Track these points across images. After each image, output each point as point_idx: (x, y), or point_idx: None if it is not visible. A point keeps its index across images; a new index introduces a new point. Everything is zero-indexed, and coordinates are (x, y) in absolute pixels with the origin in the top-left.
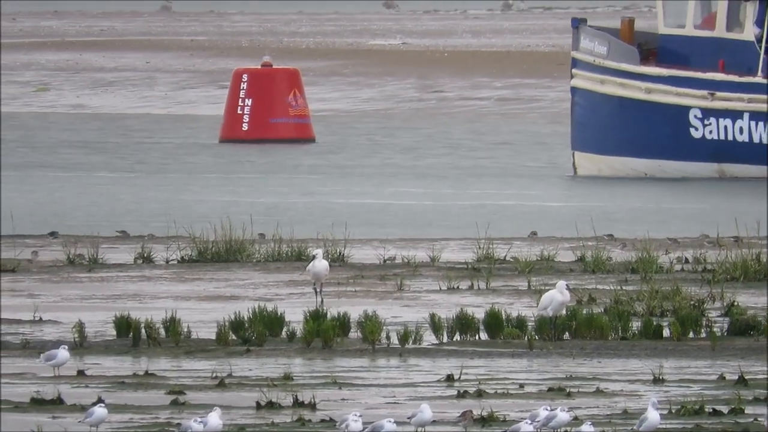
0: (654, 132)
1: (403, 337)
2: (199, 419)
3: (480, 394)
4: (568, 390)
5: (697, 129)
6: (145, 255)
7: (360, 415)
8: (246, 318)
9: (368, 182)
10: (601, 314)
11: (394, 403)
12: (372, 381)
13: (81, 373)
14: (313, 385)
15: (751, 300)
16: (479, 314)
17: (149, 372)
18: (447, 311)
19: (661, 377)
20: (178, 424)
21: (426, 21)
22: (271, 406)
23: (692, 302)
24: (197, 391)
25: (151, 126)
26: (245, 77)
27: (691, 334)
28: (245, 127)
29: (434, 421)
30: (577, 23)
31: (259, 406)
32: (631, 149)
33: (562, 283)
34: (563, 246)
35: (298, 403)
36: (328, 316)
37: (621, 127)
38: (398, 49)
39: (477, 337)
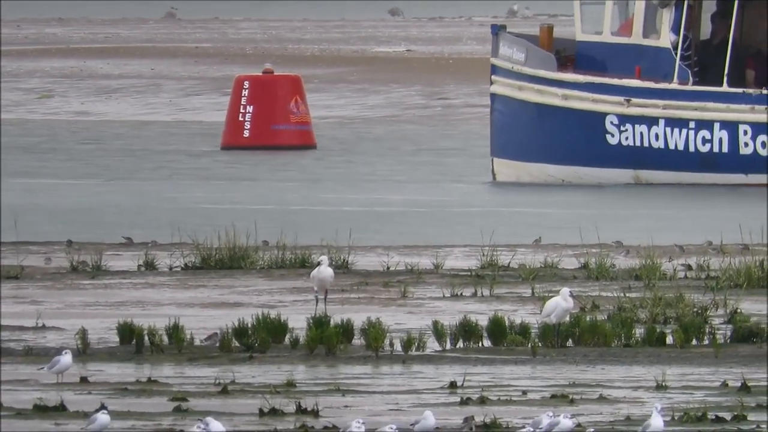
0: (571, 138)
1: (407, 344)
2: (202, 426)
3: (483, 401)
4: (571, 397)
5: (613, 135)
6: (149, 261)
7: (363, 422)
8: (249, 325)
9: (373, 189)
10: (605, 321)
11: (398, 410)
12: (375, 388)
13: (84, 379)
14: (316, 392)
15: (754, 307)
16: (483, 321)
17: (152, 379)
18: (450, 318)
19: (664, 384)
20: None
21: (431, 28)
22: (274, 413)
23: (695, 309)
24: (200, 398)
25: (155, 132)
26: (247, 84)
27: (694, 342)
28: (246, 134)
29: (437, 428)
30: (497, 30)
31: (262, 413)
32: (548, 156)
33: (565, 290)
34: (567, 253)
35: (301, 410)
36: (332, 323)
37: (538, 134)
38: (403, 56)
39: (480, 344)
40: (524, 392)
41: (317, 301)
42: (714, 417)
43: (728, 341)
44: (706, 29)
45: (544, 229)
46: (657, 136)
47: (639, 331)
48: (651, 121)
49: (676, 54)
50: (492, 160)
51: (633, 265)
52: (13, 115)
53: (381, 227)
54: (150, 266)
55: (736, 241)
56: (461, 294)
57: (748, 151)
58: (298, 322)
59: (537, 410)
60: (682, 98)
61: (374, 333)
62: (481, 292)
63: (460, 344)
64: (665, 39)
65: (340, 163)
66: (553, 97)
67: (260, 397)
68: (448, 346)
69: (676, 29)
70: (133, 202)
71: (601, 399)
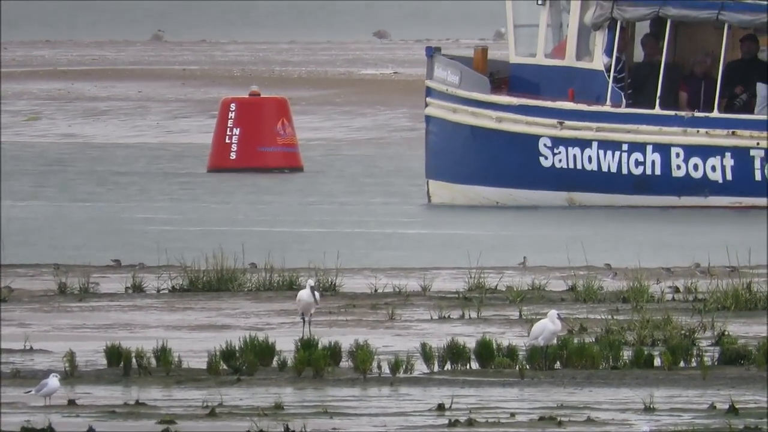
0: (505, 161)
1: (395, 367)
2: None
3: (471, 423)
4: (559, 419)
5: (546, 158)
6: (137, 284)
7: None
8: (237, 347)
9: (359, 211)
10: (593, 343)
11: (386, 431)
12: (363, 410)
13: (72, 402)
14: (303, 415)
15: (742, 329)
16: (470, 343)
17: (140, 401)
18: (438, 340)
19: (651, 406)
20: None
21: (418, 50)
22: None
23: (683, 331)
24: (188, 421)
25: (141, 155)
26: (233, 106)
27: (682, 364)
28: (233, 156)
29: None
30: (431, 52)
31: None
32: (482, 178)
33: (553, 312)
34: (554, 275)
35: None
36: (320, 345)
37: (473, 156)
38: (390, 78)
39: (468, 366)
40: (512, 414)
41: (304, 323)
42: None
43: (716, 363)
44: (640, 51)
45: (533, 252)
46: (590, 159)
47: (627, 354)
48: (584, 144)
49: (609, 76)
50: (427, 182)
51: (621, 288)
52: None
53: (368, 248)
54: (138, 289)
55: (723, 264)
56: (449, 316)
57: (681, 173)
58: (285, 344)
59: None
60: (614, 121)
61: (362, 355)
62: (469, 315)
63: (448, 366)
64: (598, 61)
65: (326, 185)
66: (487, 120)
67: (248, 420)
68: (436, 368)
69: (609, 51)
70: (120, 224)
71: (589, 421)
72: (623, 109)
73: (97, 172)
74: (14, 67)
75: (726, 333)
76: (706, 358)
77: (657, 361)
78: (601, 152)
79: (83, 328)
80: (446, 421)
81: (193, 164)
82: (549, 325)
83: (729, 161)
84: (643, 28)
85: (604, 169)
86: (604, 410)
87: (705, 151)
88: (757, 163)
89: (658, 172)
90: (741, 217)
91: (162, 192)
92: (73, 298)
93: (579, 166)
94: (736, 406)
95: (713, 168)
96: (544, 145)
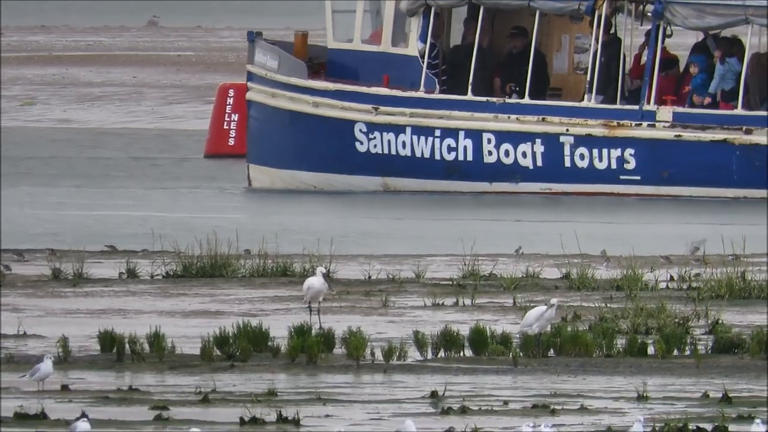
0: (321, 146)
1: (388, 354)
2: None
3: (464, 411)
4: (552, 407)
5: (362, 143)
6: (131, 269)
7: None
8: (231, 333)
9: (354, 198)
10: (586, 331)
11: (379, 419)
12: (356, 397)
13: (65, 387)
14: (297, 401)
15: (735, 318)
16: (464, 331)
17: (133, 387)
18: (432, 327)
19: (645, 395)
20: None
21: None
22: (255, 422)
23: (677, 320)
24: (181, 407)
25: (137, 141)
26: (232, 92)
27: (675, 352)
28: (232, 141)
29: None
30: (253, 37)
31: (242, 422)
32: (300, 162)
33: (554, 302)
34: (549, 263)
35: (282, 419)
36: (313, 332)
37: (291, 141)
38: None
39: (462, 354)
40: (505, 402)
41: (311, 312)
42: (695, 428)
43: (709, 352)
44: (458, 38)
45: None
46: (404, 144)
47: (620, 342)
48: (398, 129)
49: (423, 62)
50: (248, 166)
51: (614, 276)
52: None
53: (362, 235)
54: (131, 274)
55: (718, 253)
56: (442, 303)
57: (492, 159)
58: (279, 330)
59: (518, 420)
60: (427, 106)
61: (355, 342)
62: (463, 302)
63: (442, 354)
64: (413, 47)
65: None
66: (304, 105)
67: (241, 406)
68: (430, 355)
69: (423, 37)
70: (115, 210)
71: (582, 409)
72: (436, 95)
73: (93, 157)
74: (9, 52)
75: (720, 321)
76: (699, 347)
77: (651, 350)
78: (415, 138)
79: (77, 313)
80: (439, 409)
81: (189, 149)
82: (542, 312)
83: (539, 147)
84: (461, 14)
85: (418, 154)
86: (597, 398)
87: (516, 138)
88: (567, 150)
89: (470, 158)
90: (735, 206)
91: (158, 177)
92: (67, 284)
93: (393, 152)
94: (730, 395)
95: (524, 154)
96: (360, 130)
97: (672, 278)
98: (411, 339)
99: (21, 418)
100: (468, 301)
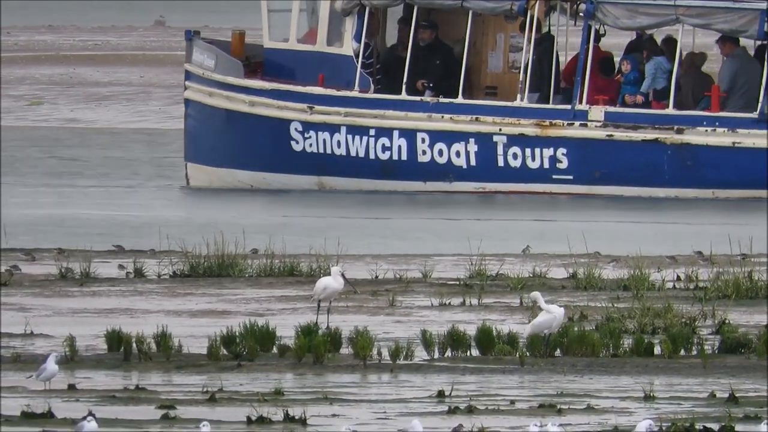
0: (258, 144)
1: (395, 353)
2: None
3: (471, 410)
4: (558, 407)
5: (298, 142)
6: (138, 269)
7: (354, 430)
8: (237, 333)
9: (358, 197)
10: (593, 331)
11: (385, 418)
12: (363, 397)
13: (72, 387)
14: (303, 401)
15: (742, 318)
16: (471, 330)
17: (140, 386)
18: (439, 327)
19: (651, 394)
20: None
21: None
22: (262, 421)
23: (684, 320)
24: (188, 406)
25: (143, 140)
26: None
27: (682, 352)
28: None
29: None
30: (191, 36)
31: (249, 421)
32: (237, 161)
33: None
34: (555, 263)
35: (288, 419)
36: (320, 331)
37: (228, 140)
38: None
39: (468, 354)
40: (512, 402)
41: (318, 311)
42: (702, 428)
43: (716, 352)
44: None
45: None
46: (339, 143)
47: (627, 342)
48: (333, 129)
49: (358, 62)
50: (186, 165)
51: (621, 276)
52: (3, 122)
53: (369, 235)
54: (138, 274)
55: (725, 252)
56: (449, 303)
57: (426, 158)
58: (286, 330)
59: (525, 420)
60: (362, 106)
61: (362, 342)
62: (470, 302)
63: (448, 353)
64: (348, 47)
65: None
66: (241, 104)
67: (248, 405)
68: (436, 355)
69: (358, 37)
70: (120, 209)
71: (589, 409)
72: (370, 95)
73: (99, 156)
74: (17, 51)
75: (726, 321)
76: (706, 347)
77: (657, 349)
78: (350, 137)
79: (84, 312)
80: (446, 408)
81: None
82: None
83: (473, 147)
84: (396, 14)
85: (353, 153)
86: (604, 398)
87: (449, 137)
88: (500, 149)
89: (404, 157)
90: (738, 205)
91: (164, 177)
92: (74, 283)
93: (329, 151)
94: (736, 395)
95: (458, 154)
96: (295, 129)
97: (679, 278)
98: (418, 339)
99: (28, 417)
100: (475, 301)
